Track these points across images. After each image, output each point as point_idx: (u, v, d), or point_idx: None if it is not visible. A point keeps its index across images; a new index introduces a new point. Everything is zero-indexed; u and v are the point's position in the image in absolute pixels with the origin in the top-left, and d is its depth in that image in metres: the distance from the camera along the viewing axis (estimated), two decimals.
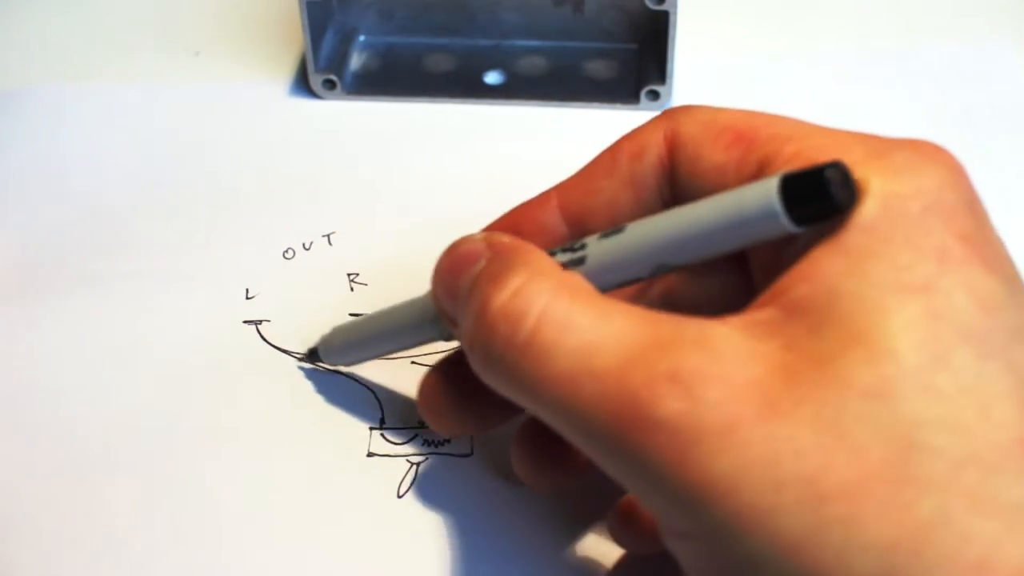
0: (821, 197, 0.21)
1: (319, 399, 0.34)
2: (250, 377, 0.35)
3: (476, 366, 0.24)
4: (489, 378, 0.24)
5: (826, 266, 0.21)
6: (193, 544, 0.30)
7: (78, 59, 0.48)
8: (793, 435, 0.19)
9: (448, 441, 0.33)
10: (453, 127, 0.44)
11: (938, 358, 0.20)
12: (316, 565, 0.30)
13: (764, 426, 0.20)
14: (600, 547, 0.30)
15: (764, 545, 0.19)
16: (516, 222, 0.28)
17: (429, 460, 0.32)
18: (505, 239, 0.25)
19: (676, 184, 0.26)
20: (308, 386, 0.34)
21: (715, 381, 0.20)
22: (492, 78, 0.46)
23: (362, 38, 0.47)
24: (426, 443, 0.33)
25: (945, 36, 0.47)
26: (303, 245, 0.39)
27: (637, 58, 0.46)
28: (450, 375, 0.29)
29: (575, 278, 0.23)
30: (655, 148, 0.26)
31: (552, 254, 0.25)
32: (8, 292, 0.38)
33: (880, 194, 0.21)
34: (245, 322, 0.36)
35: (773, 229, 0.21)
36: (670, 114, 0.26)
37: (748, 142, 0.24)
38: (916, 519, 0.19)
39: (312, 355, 0.34)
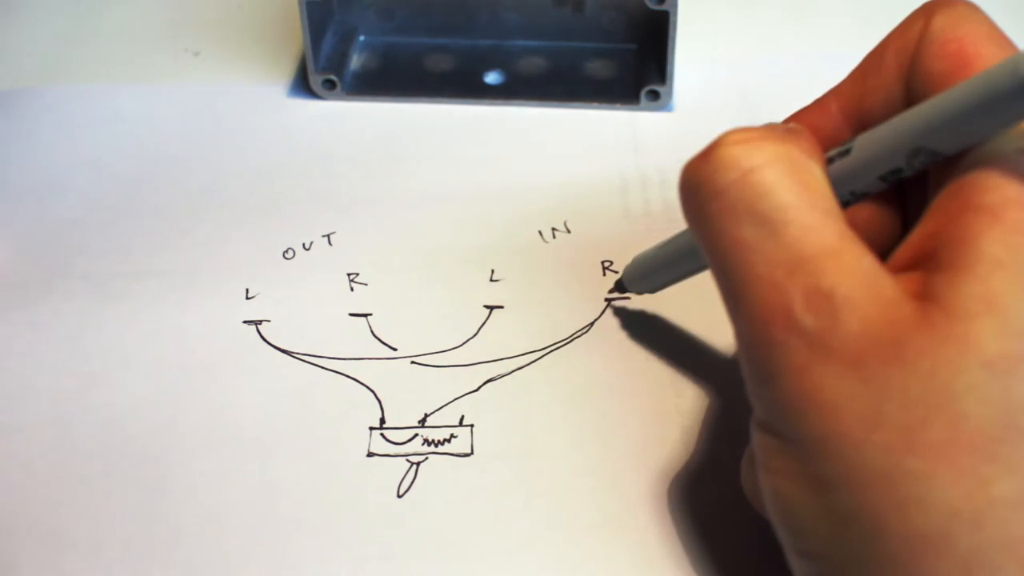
0: None
1: (319, 399, 0.34)
2: (250, 377, 0.35)
3: (679, 192, 0.24)
4: (684, 209, 0.24)
5: (979, 230, 0.21)
6: (193, 544, 0.31)
7: (78, 59, 0.48)
8: (906, 385, 0.20)
9: (448, 441, 0.33)
10: (453, 127, 0.44)
11: None
12: (316, 565, 0.30)
13: (885, 368, 0.21)
14: (600, 546, 0.30)
15: (841, 472, 0.21)
16: None
17: (429, 460, 0.32)
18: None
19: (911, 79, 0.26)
20: (308, 386, 0.34)
21: (861, 314, 0.21)
22: (492, 78, 0.46)
23: (362, 38, 0.47)
24: (426, 443, 0.33)
25: None
26: (303, 245, 0.39)
27: (637, 58, 0.46)
28: None
29: (806, 161, 0.23)
30: (916, 41, 0.25)
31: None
32: (8, 292, 0.38)
33: None
34: (245, 322, 0.36)
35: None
36: (931, 7, 0.25)
37: (964, 62, 0.24)
38: (989, 496, 0.20)
39: (620, 286, 0.36)
